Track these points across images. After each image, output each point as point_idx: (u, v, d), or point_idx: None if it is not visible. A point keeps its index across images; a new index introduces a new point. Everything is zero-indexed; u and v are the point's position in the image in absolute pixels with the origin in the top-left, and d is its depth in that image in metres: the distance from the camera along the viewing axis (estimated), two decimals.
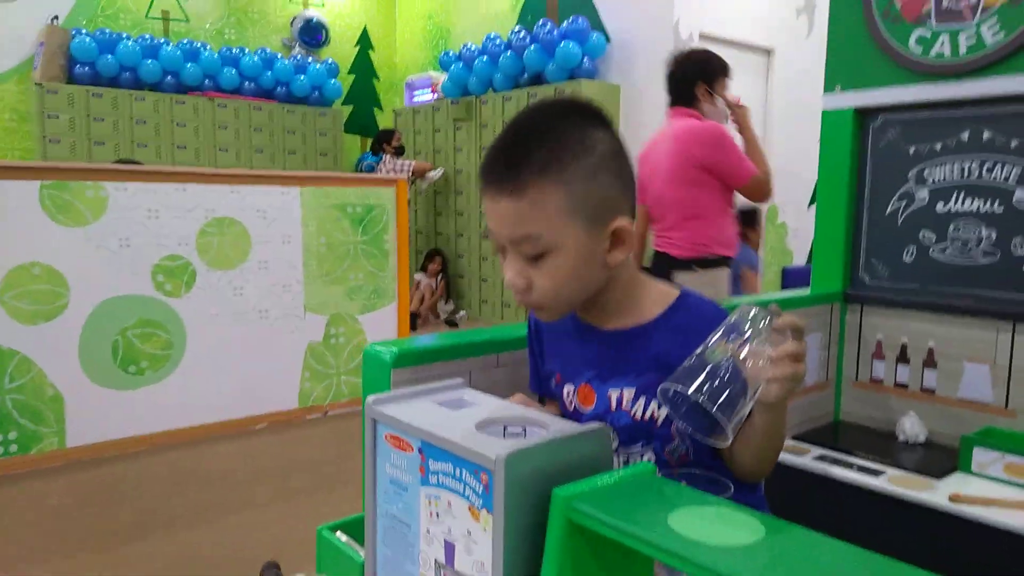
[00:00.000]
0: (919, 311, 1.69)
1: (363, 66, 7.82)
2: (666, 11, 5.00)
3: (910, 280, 1.72)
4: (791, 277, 5.59)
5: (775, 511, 1.63)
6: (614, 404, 0.99)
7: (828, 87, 1.81)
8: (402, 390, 0.88)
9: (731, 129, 2.91)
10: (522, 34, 5.61)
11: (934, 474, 1.48)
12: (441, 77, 6.64)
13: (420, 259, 6.49)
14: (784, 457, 1.60)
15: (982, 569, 1.32)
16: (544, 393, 1.12)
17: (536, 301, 0.95)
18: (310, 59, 7.14)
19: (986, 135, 1.59)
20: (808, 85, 5.19)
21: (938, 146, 1.66)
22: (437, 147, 6.49)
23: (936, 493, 1.41)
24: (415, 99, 7.11)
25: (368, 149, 7.38)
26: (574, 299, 0.97)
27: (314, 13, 7.37)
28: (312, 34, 7.32)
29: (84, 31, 6.11)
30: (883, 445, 1.64)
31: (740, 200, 2.91)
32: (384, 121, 7.69)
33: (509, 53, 5.66)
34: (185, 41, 6.51)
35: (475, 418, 0.81)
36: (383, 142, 6.35)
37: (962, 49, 1.58)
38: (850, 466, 1.53)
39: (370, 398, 0.84)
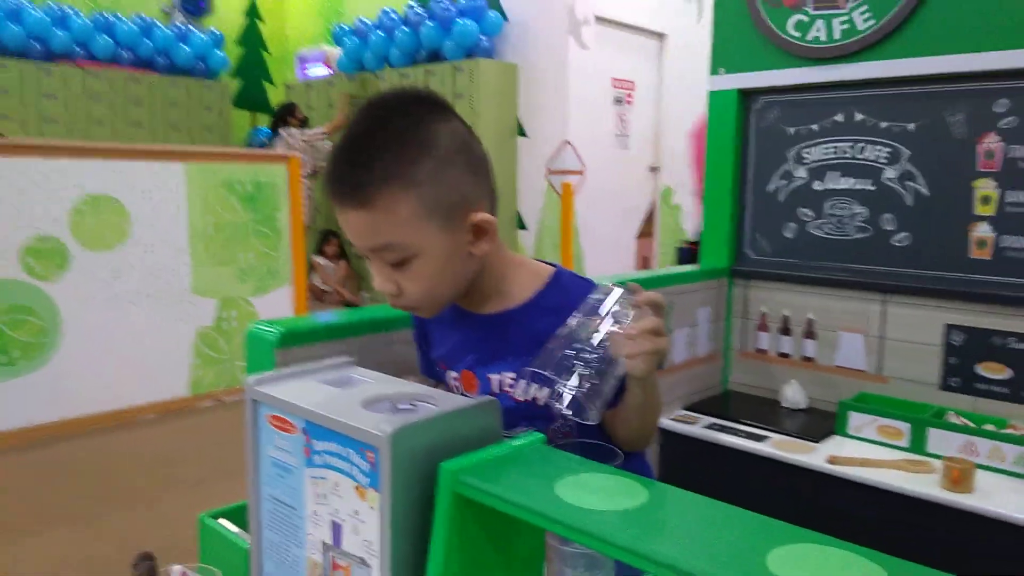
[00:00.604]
0: (799, 285, 1.78)
1: (252, 37, 7.48)
2: None
3: (791, 255, 1.80)
4: (685, 255, 5.78)
5: (669, 477, 1.68)
6: (496, 387, 0.99)
7: (713, 70, 1.87)
8: (285, 370, 0.84)
9: None
10: (418, 9, 5.52)
11: (814, 437, 1.57)
12: (335, 51, 6.44)
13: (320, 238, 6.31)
14: (676, 426, 1.66)
15: (859, 522, 1.40)
16: (436, 379, 1.11)
17: (409, 304, 0.93)
18: (193, 28, 6.77)
19: (858, 116, 1.68)
20: (698, 69, 5.36)
21: (815, 127, 1.74)
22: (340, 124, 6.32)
23: (816, 455, 1.49)
24: (308, 73, 6.88)
25: (259, 125, 7.09)
26: (448, 295, 0.96)
27: None
28: (194, 1, 6.93)
29: None
30: (768, 412, 1.72)
31: None
32: (276, 95, 7.40)
33: (405, 28, 5.55)
34: (52, 5, 6.04)
35: (362, 396, 0.79)
36: (286, 116, 6.08)
37: (836, 34, 1.66)
38: (738, 433, 1.60)
39: (250, 378, 0.80)
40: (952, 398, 1.58)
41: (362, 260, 5.86)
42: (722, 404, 1.80)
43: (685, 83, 5.72)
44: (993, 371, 1.53)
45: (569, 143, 5.09)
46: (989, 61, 1.48)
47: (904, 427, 1.52)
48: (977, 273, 1.55)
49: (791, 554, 0.55)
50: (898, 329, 1.64)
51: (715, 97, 1.86)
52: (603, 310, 0.85)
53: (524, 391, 0.98)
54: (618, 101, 5.48)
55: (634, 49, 5.57)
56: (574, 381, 0.80)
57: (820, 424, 1.64)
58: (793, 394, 1.74)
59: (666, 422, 1.67)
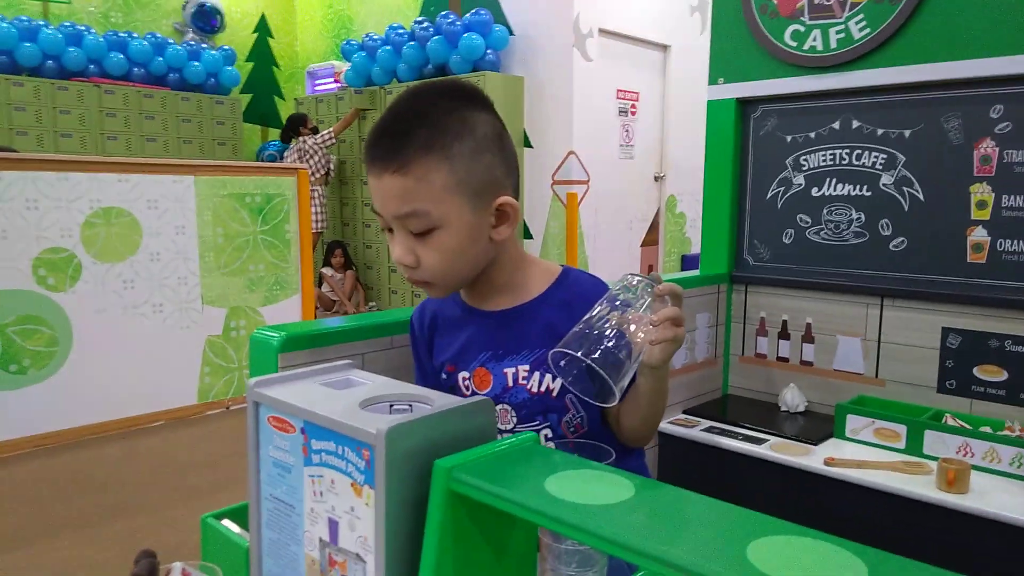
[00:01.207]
0: (798, 290, 1.79)
1: (262, 54, 7.57)
2: (566, 6, 5.07)
3: (789, 261, 1.82)
4: (690, 264, 5.80)
5: (668, 480, 1.69)
6: (511, 381, 1.01)
7: (712, 79, 1.89)
8: (286, 373, 0.87)
9: None
10: (425, 25, 5.58)
11: (812, 440, 1.58)
12: (344, 66, 6.51)
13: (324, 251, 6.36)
14: (676, 429, 1.67)
15: (856, 523, 1.42)
16: (438, 388, 1.13)
17: (425, 277, 0.96)
18: (204, 45, 6.87)
19: (855, 124, 1.70)
20: (702, 80, 5.38)
21: (812, 134, 1.76)
22: (341, 136, 6.38)
23: (813, 457, 1.51)
24: (317, 88, 6.95)
25: (270, 139, 7.16)
26: (463, 275, 0.99)
27: None
28: (206, 19, 7.03)
29: None
30: (767, 415, 1.73)
31: None
32: (286, 110, 7.48)
33: (412, 44, 5.61)
34: (67, 24, 6.14)
35: (360, 396, 0.81)
36: (298, 126, 6.16)
37: (832, 43, 1.68)
38: (736, 436, 1.62)
39: (251, 381, 0.83)
40: (949, 400, 1.59)
41: (369, 270, 5.90)
42: (721, 408, 1.82)
43: (689, 93, 5.75)
44: (990, 374, 1.54)
45: (574, 153, 5.12)
46: (984, 67, 1.50)
47: (901, 429, 1.53)
48: (973, 277, 1.56)
49: (770, 545, 0.57)
50: (895, 333, 1.65)
51: (714, 106, 1.88)
52: (628, 298, 0.88)
53: (539, 383, 1.01)
54: (622, 112, 5.51)
55: (638, 61, 5.61)
56: (600, 359, 0.83)
57: (818, 427, 1.65)
58: (792, 397, 1.75)
59: (665, 426, 1.69)
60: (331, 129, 6.07)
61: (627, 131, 5.56)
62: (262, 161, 6.72)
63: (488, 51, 5.29)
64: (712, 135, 1.89)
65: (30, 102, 5.87)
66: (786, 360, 1.82)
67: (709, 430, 1.65)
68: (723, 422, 1.70)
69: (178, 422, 3.45)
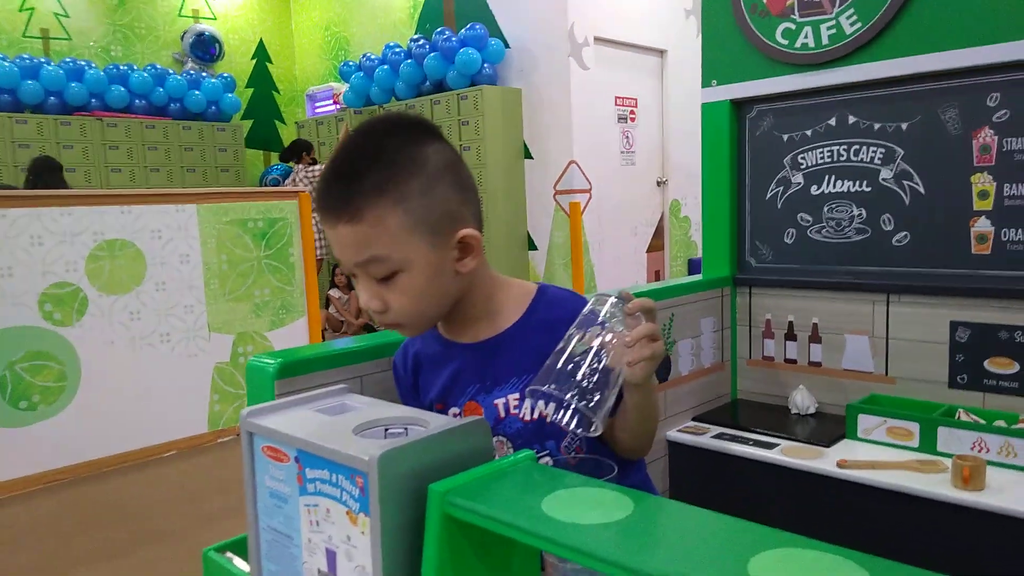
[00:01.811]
0: (802, 290, 1.77)
1: (261, 79, 7.63)
2: (560, 16, 5.08)
3: (792, 261, 1.80)
4: (696, 268, 5.76)
5: (678, 490, 1.68)
6: (502, 412, 0.99)
7: (705, 82, 1.88)
8: (280, 401, 0.86)
9: None
10: (421, 42, 5.60)
11: (823, 442, 1.56)
12: (342, 88, 6.55)
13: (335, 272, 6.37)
14: (685, 437, 1.65)
15: (871, 525, 1.39)
16: None
17: (395, 320, 0.94)
18: (204, 74, 6.92)
19: (851, 119, 1.68)
20: (699, 83, 5.37)
21: (809, 132, 1.75)
22: None
23: (825, 460, 1.48)
24: (317, 110, 6.99)
25: (274, 161, 7.20)
26: (434, 313, 0.97)
27: (206, 27, 7.15)
28: (205, 48, 7.09)
29: None
30: (777, 419, 1.71)
31: None
32: (288, 134, 7.52)
33: (409, 61, 5.64)
34: (68, 60, 6.20)
35: (355, 422, 0.80)
36: (301, 151, 6.20)
37: (824, 39, 1.67)
38: (747, 441, 1.59)
39: (244, 411, 0.82)
40: (961, 395, 1.56)
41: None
42: (730, 413, 1.79)
43: (688, 97, 5.74)
44: (1001, 366, 1.51)
45: (575, 162, 5.12)
46: (979, 56, 1.48)
47: (914, 427, 1.50)
48: (979, 268, 1.54)
49: (773, 559, 0.56)
50: (903, 329, 1.63)
51: (708, 109, 1.87)
52: (597, 321, 0.86)
53: (531, 410, 0.98)
54: (622, 118, 5.51)
55: (635, 67, 5.61)
56: (576, 395, 0.81)
57: (830, 428, 1.63)
58: (802, 400, 1.73)
59: (674, 433, 1.67)
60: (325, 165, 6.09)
61: (627, 137, 5.55)
62: (265, 185, 6.75)
63: (485, 65, 5.30)
64: (708, 138, 1.88)
65: (34, 139, 5.93)
66: (794, 362, 1.79)
67: (719, 436, 1.63)
68: (733, 427, 1.68)
69: (190, 451, 3.45)
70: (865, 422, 1.57)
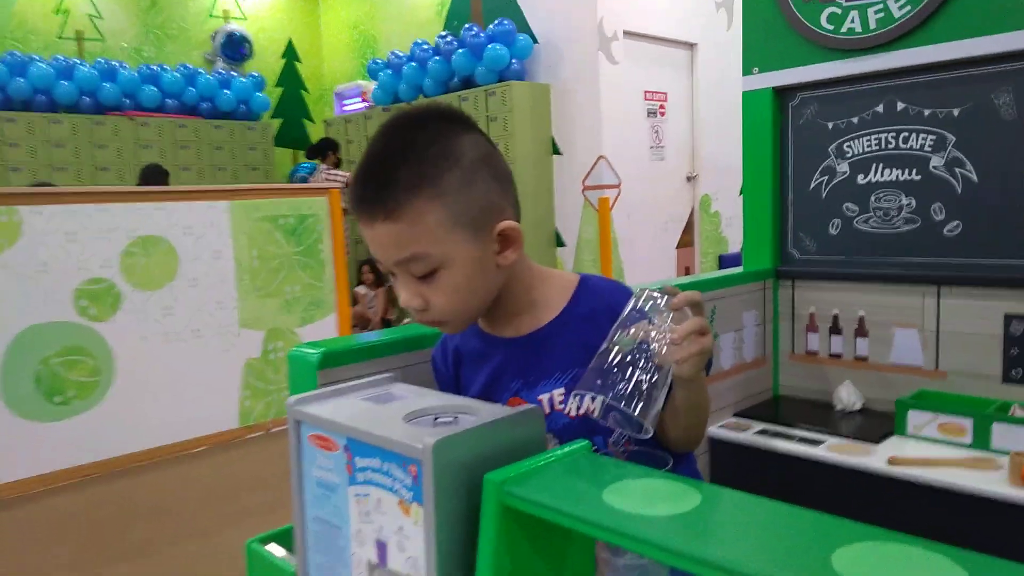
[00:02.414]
0: (848, 282, 1.72)
1: (290, 78, 7.68)
2: (589, 10, 5.04)
3: (837, 252, 1.75)
4: (727, 263, 5.69)
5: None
6: (547, 408, 0.96)
7: (746, 70, 1.84)
8: (326, 389, 0.84)
9: None
10: (449, 39, 5.59)
11: (872, 439, 1.51)
12: (370, 85, 6.56)
13: (362, 269, 6.39)
14: (727, 434, 1.61)
15: (922, 527, 1.34)
16: None
17: (437, 318, 0.92)
18: (234, 73, 6.98)
19: (900, 106, 1.63)
20: (731, 76, 5.31)
21: (855, 120, 1.70)
22: None
23: (875, 457, 1.44)
24: (345, 108, 7.02)
25: (303, 160, 7.23)
26: (476, 308, 0.94)
27: (236, 27, 7.20)
28: (235, 48, 7.15)
29: None
30: (822, 415, 1.67)
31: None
32: (316, 132, 7.56)
33: (437, 58, 5.63)
34: (101, 60, 6.28)
35: (404, 410, 0.78)
36: (327, 151, 6.22)
37: (872, 23, 1.62)
38: (791, 438, 1.55)
39: (291, 399, 0.80)
40: (1016, 391, 1.50)
41: None
42: (773, 409, 1.75)
43: (718, 91, 5.67)
44: None
45: (604, 158, 5.07)
46: None
47: (967, 423, 1.45)
48: None
49: (858, 553, 0.52)
50: (955, 322, 1.58)
51: (749, 97, 1.83)
52: (642, 317, 0.83)
53: (578, 406, 0.95)
54: (651, 113, 5.45)
55: (665, 60, 5.55)
56: (625, 399, 0.79)
57: (878, 425, 1.58)
58: (847, 395, 1.68)
59: (715, 430, 1.63)
60: (349, 175, 6.10)
61: (657, 132, 5.50)
62: (294, 183, 6.79)
63: (513, 61, 5.28)
64: (749, 127, 1.84)
65: (68, 139, 6.02)
66: (839, 356, 1.74)
67: (762, 433, 1.59)
68: (776, 424, 1.63)
69: (221, 446, 3.47)
70: (915, 418, 1.52)
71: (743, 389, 1.75)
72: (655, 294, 0.84)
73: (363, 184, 0.87)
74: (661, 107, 5.51)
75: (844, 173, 1.72)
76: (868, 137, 1.68)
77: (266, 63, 7.47)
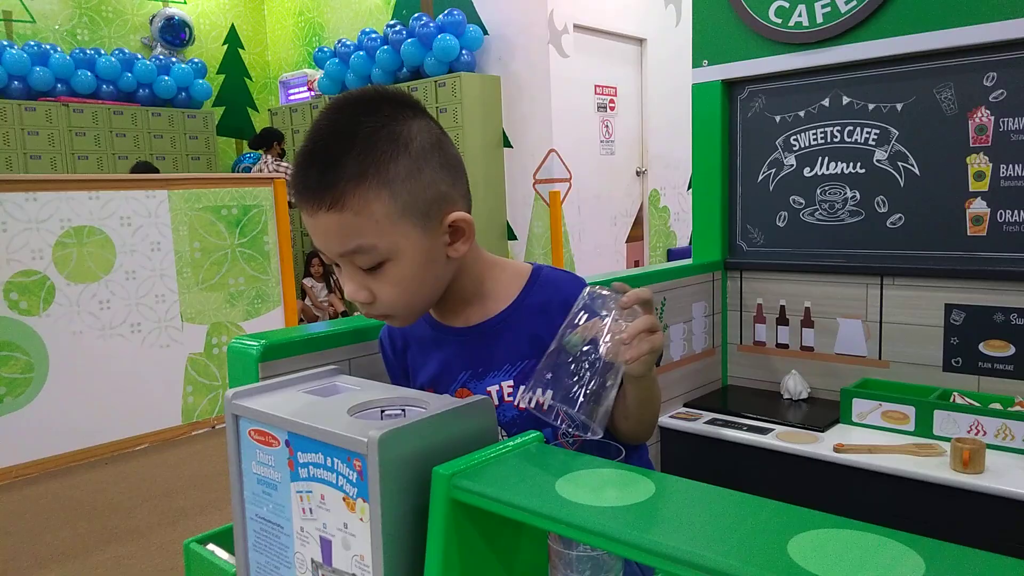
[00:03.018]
0: (794, 273, 1.75)
1: (233, 65, 7.47)
2: (540, 3, 5.03)
3: (784, 244, 1.77)
4: (675, 258, 5.76)
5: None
6: (496, 399, 0.94)
7: (696, 62, 1.84)
8: (267, 382, 0.81)
9: None
10: (398, 28, 5.51)
11: (819, 427, 1.53)
12: (317, 74, 6.43)
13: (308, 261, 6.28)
14: (677, 423, 1.62)
15: (870, 510, 1.36)
16: None
17: (384, 312, 0.88)
18: (174, 59, 6.76)
19: (845, 100, 1.65)
20: (680, 72, 5.35)
21: (802, 113, 1.72)
22: None
23: (822, 445, 1.46)
24: (291, 97, 6.87)
25: (246, 150, 7.06)
26: (425, 301, 0.91)
27: (176, 11, 6.97)
28: (175, 33, 6.92)
29: None
30: (770, 404, 1.68)
31: None
32: (261, 121, 7.38)
33: (386, 48, 5.55)
34: (32, 43, 6.02)
35: (348, 403, 0.75)
36: (272, 141, 6.06)
37: (819, 17, 1.63)
38: (740, 427, 1.56)
39: (229, 392, 0.76)
40: (956, 379, 1.54)
41: None
42: (722, 399, 1.77)
43: (667, 86, 5.72)
44: (996, 349, 1.50)
45: (555, 151, 5.07)
46: (974, 35, 1.46)
47: (909, 411, 1.48)
48: (975, 250, 1.52)
49: (814, 540, 0.51)
50: (897, 312, 1.61)
51: (699, 89, 1.83)
52: (591, 316, 0.81)
53: (526, 399, 0.94)
54: (601, 107, 5.47)
55: (615, 55, 5.58)
56: (573, 400, 0.77)
57: (824, 413, 1.60)
58: (794, 385, 1.70)
59: (666, 420, 1.63)
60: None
61: (607, 127, 5.52)
62: (238, 173, 6.61)
63: (463, 52, 5.23)
64: (699, 119, 1.84)
65: None
66: (786, 347, 1.77)
67: (712, 422, 1.60)
68: (725, 413, 1.65)
69: (163, 444, 3.36)
70: (860, 406, 1.55)
71: (692, 379, 1.76)
72: (604, 292, 0.82)
73: (305, 170, 0.82)
74: (611, 102, 5.54)
75: (791, 166, 1.74)
76: (814, 130, 1.70)
77: (208, 49, 7.26)
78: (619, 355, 0.80)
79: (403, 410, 0.77)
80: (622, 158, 5.68)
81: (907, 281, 1.59)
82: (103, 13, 6.67)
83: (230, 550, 0.89)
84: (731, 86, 1.81)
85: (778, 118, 1.75)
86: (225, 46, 7.41)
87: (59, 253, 3.06)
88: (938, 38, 1.50)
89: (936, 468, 1.33)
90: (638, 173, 5.85)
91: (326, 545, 0.69)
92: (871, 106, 1.62)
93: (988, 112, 1.49)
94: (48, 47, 6.06)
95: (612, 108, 5.55)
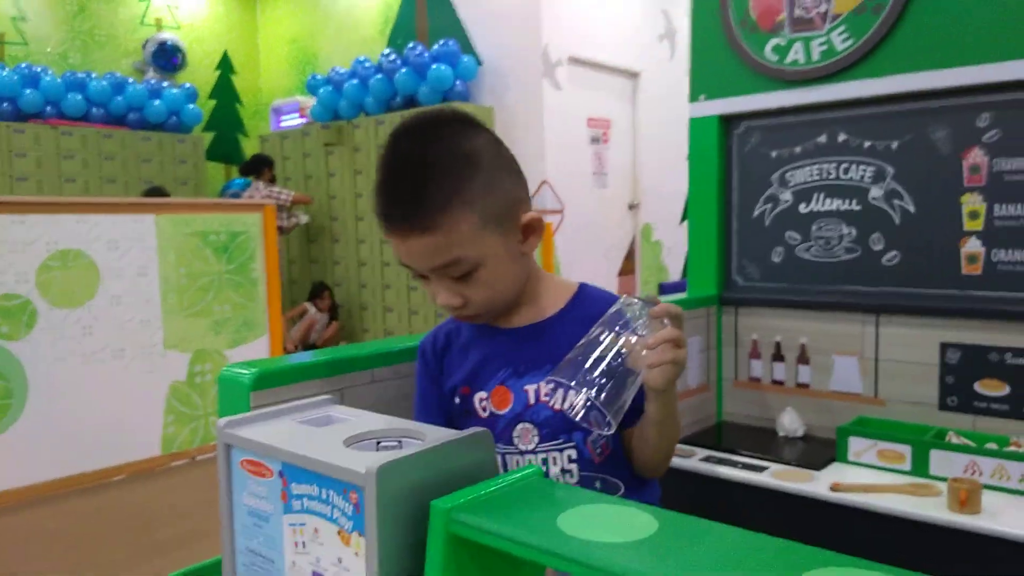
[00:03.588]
0: (790, 309, 1.74)
1: (225, 91, 7.49)
2: (534, 35, 5.08)
3: (780, 280, 1.77)
4: (667, 291, 5.78)
5: None
6: (532, 399, 0.98)
7: (693, 96, 1.85)
8: (260, 411, 0.78)
9: None
10: (392, 57, 5.55)
11: (814, 466, 1.52)
12: (309, 102, 6.45)
13: (293, 289, 6.22)
14: (672, 460, 1.59)
15: (866, 550, 1.34)
16: (447, 413, 1.07)
17: (474, 312, 0.96)
18: (165, 84, 6.76)
19: (841, 137, 1.66)
20: (673, 106, 5.41)
21: (798, 149, 1.72)
22: (308, 172, 6.28)
23: (818, 484, 1.44)
24: (282, 124, 6.88)
25: (236, 176, 7.05)
26: (510, 297, 0.99)
27: (169, 36, 7.00)
28: (167, 57, 6.94)
29: None
30: (765, 441, 1.67)
31: None
32: (251, 147, 7.38)
33: (380, 76, 5.58)
34: (23, 65, 6.01)
35: (344, 434, 0.73)
36: (262, 167, 6.04)
37: (815, 56, 1.65)
38: (735, 464, 1.54)
39: (222, 421, 0.74)
40: (952, 418, 1.53)
41: (353, 319, 5.69)
42: (717, 435, 1.75)
43: (660, 120, 5.78)
44: (992, 388, 1.49)
45: (547, 183, 5.10)
46: (970, 75, 1.48)
47: (905, 450, 1.47)
48: (970, 289, 1.52)
49: None
50: (893, 350, 1.60)
51: (696, 124, 1.84)
52: (622, 321, 0.85)
53: (562, 400, 0.97)
54: (595, 140, 5.52)
55: (609, 88, 5.64)
56: (592, 390, 0.81)
57: (820, 451, 1.59)
58: (790, 422, 1.69)
59: None
60: (291, 193, 5.96)
61: (600, 159, 5.56)
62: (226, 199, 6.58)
63: (457, 82, 5.27)
64: (695, 154, 1.85)
65: None
66: (781, 383, 1.75)
67: (707, 460, 1.58)
68: (720, 450, 1.63)
69: (142, 475, 3.29)
70: (856, 445, 1.53)
71: (688, 415, 1.74)
72: (637, 302, 0.87)
73: (390, 203, 0.90)
74: (604, 134, 5.58)
75: (787, 202, 1.74)
76: (810, 167, 1.70)
77: (200, 74, 7.27)
78: (641, 361, 0.84)
79: (399, 441, 0.75)
80: (615, 191, 5.71)
81: (903, 319, 1.59)
82: (96, 37, 6.69)
83: None
84: (728, 121, 1.82)
85: (774, 153, 1.76)
86: (217, 71, 7.44)
87: (43, 277, 3.02)
88: (933, 78, 1.52)
89: (933, 508, 1.31)
90: (631, 206, 5.88)
91: None
92: (867, 143, 1.63)
93: (982, 152, 1.50)
94: (40, 69, 6.06)
95: (605, 141, 5.59)
